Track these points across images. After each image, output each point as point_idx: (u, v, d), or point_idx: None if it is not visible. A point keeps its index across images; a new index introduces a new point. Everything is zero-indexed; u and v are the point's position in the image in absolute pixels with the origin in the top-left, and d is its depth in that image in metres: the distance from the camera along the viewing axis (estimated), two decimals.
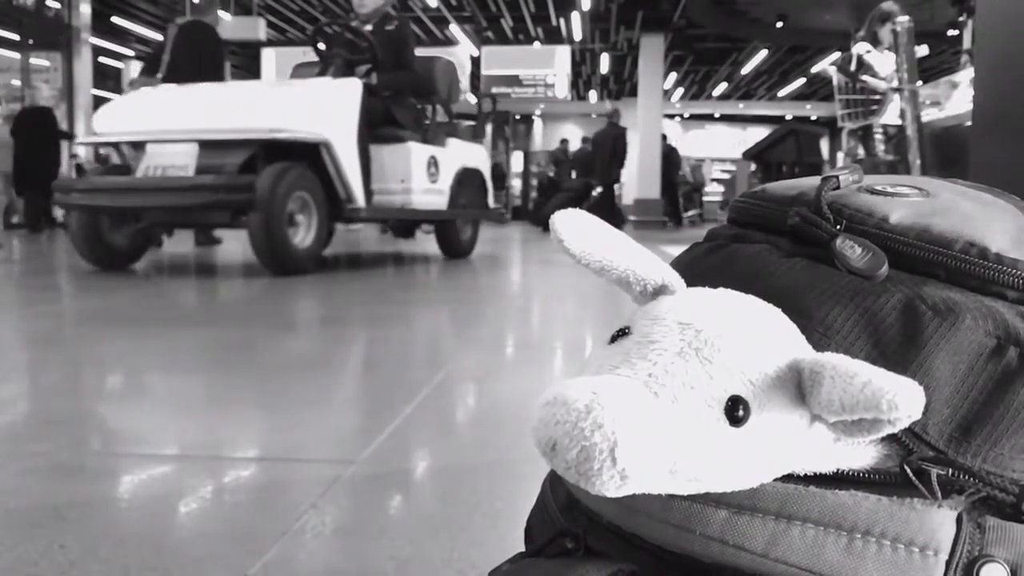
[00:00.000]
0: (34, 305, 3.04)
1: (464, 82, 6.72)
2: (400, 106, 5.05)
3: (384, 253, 6.73)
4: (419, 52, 5.43)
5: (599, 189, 11.85)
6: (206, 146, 4.06)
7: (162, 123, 4.30)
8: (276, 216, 3.90)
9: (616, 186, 12.29)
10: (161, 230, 5.52)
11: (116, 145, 4.68)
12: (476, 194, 6.03)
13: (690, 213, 16.77)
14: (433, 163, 5.18)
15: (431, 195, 5.16)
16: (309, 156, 4.25)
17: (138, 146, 4.33)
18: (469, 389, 1.72)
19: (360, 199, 4.48)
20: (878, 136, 5.46)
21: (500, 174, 17.08)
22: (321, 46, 4.96)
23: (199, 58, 5.58)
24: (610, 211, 11.87)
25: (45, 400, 1.57)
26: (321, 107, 4.36)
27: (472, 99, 18.56)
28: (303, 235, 4.24)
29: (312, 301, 3.32)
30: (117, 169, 4.50)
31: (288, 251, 4.06)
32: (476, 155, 6.11)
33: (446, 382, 1.70)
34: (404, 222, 6.07)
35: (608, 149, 11.43)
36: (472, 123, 6.55)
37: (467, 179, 5.77)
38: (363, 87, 4.52)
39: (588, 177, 12.40)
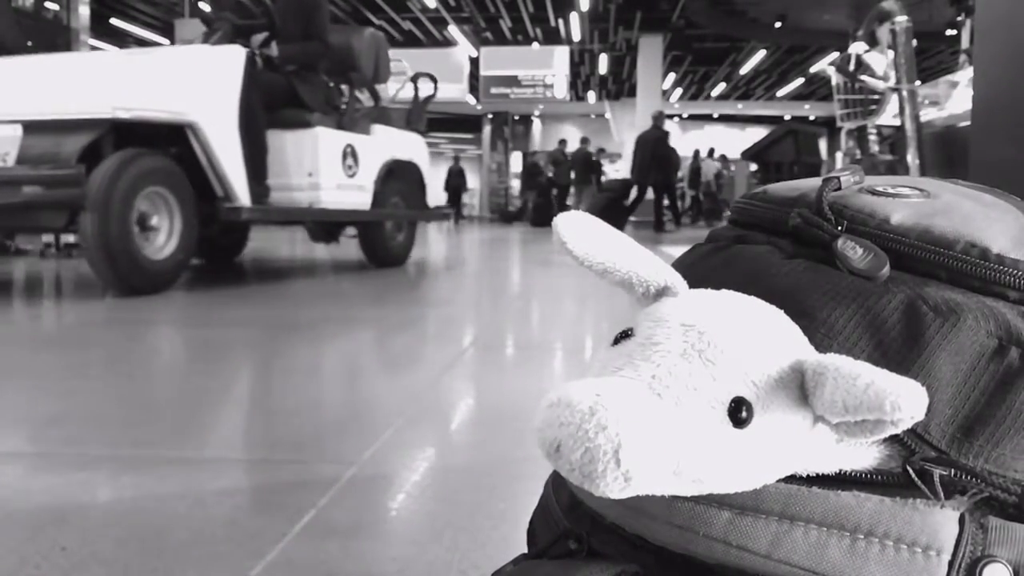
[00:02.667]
0: None
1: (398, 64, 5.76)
2: (307, 84, 4.25)
3: (290, 261, 5.83)
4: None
5: (635, 189, 11.97)
6: (32, 129, 3.16)
7: None
8: (117, 218, 3.07)
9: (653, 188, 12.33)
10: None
11: None
12: (411, 191, 5.22)
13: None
14: (351, 153, 4.40)
15: (348, 192, 4.39)
16: (178, 143, 3.51)
17: None
18: None
19: (243, 196, 3.68)
20: (872, 137, 5.46)
21: (536, 172, 16.93)
22: (208, 9, 4.28)
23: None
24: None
25: None
26: (188, 81, 3.51)
27: (471, 100, 18.68)
28: (161, 242, 3.41)
29: (102, 350, 2.06)
30: None
31: (137, 263, 3.20)
32: (411, 145, 5.23)
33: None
34: (323, 224, 5.12)
35: (649, 151, 11.51)
36: (407, 107, 5.57)
37: (399, 174, 4.99)
38: (249, 58, 3.77)
39: (628, 178, 12.55)
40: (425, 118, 5.52)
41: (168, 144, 3.50)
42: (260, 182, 3.85)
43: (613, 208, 12.24)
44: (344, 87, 4.71)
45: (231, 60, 3.70)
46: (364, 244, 4.95)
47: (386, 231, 4.97)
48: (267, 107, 3.90)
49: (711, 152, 18.16)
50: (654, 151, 11.54)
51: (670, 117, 23.00)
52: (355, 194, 4.47)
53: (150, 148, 3.35)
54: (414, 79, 5.61)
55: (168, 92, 3.41)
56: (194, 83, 3.53)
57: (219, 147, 3.54)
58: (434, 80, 5.85)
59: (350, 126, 4.46)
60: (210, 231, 4.57)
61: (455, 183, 20.59)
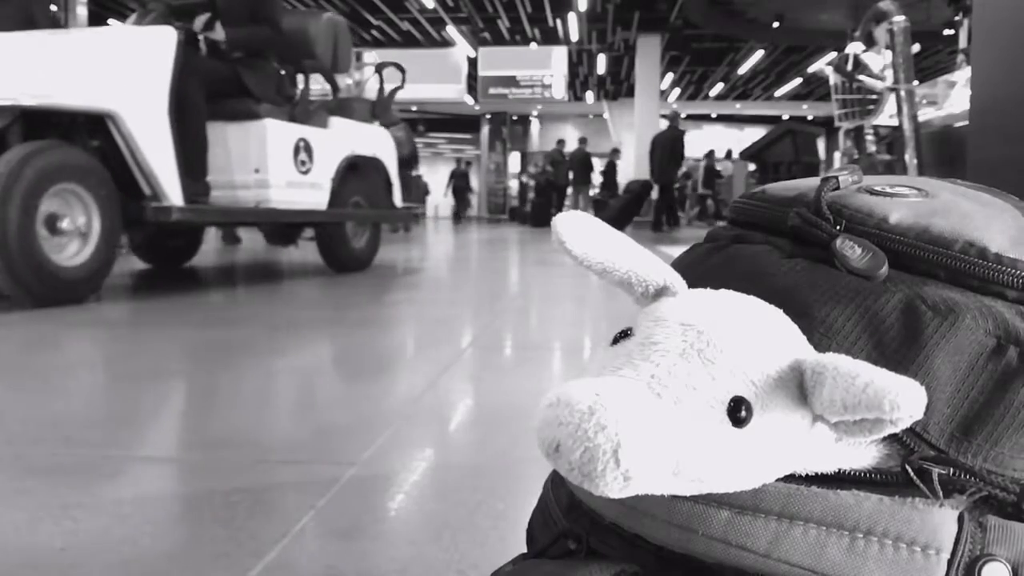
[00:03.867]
0: None
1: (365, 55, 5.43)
2: (255, 72, 3.87)
3: (247, 265, 5.37)
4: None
5: (657, 189, 12.09)
6: None
7: None
8: (18, 218, 2.73)
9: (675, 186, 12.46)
10: None
11: None
12: (374, 189, 4.83)
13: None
14: (304, 148, 4.03)
15: (301, 190, 4.03)
16: (100, 135, 3.17)
17: None
18: None
19: (174, 194, 3.28)
20: (869, 137, 5.47)
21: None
22: None
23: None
24: (670, 210, 12.06)
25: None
26: (109, 66, 3.12)
27: (469, 100, 18.69)
28: (76, 247, 3.04)
29: None
30: None
31: (43, 270, 2.84)
32: (375, 140, 4.82)
33: None
34: (279, 226, 4.74)
35: (668, 150, 11.64)
36: (371, 99, 5.17)
37: (361, 170, 4.64)
38: (183, 41, 3.39)
39: (646, 178, 12.71)
40: (392, 111, 5.20)
41: (90, 137, 3.17)
42: (198, 179, 3.50)
43: (633, 208, 12.36)
44: (299, 76, 4.36)
45: (160, 43, 3.28)
46: (322, 247, 4.57)
47: (347, 233, 4.59)
48: (210, 97, 3.56)
49: (728, 153, 18.09)
50: (672, 150, 11.69)
51: (667, 117, 23.04)
52: (309, 192, 4.12)
53: (68, 141, 3.03)
54: (379, 69, 5.26)
55: (85, 78, 3.03)
56: (116, 68, 3.14)
57: (145, 140, 3.16)
58: (402, 70, 5.50)
59: (304, 118, 4.11)
60: (151, 234, 4.25)
61: (459, 184, 20.64)
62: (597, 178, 17.09)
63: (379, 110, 5.04)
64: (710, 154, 17.48)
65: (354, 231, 4.69)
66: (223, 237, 6.81)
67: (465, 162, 22.47)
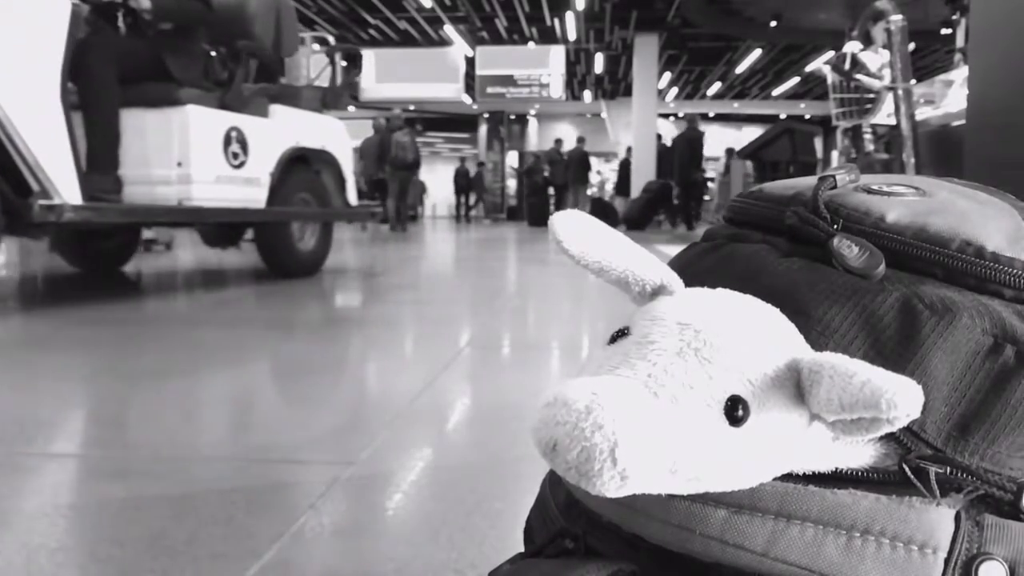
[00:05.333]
0: None
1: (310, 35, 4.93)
2: (177, 52, 3.46)
3: (191, 270, 4.87)
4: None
5: (677, 190, 12.23)
6: None
7: None
8: None
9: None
10: None
11: None
12: (324, 186, 4.40)
13: None
14: (237, 139, 3.60)
15: (233, 186, 3.59)
16: None
17: None
18: None
19: (68, 191, 2.85)
20: (867, 136, 5.47)
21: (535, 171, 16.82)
22: None
23: None
24: (686, 210, 12.15)
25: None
26: None
27: (467, 99, 18.68)
28: None
29: None
30: None
31: None
32: (325, 131, 4.36)
33: None
34: (216, 226, 4.20)
35: (687, 151, 11.75)
36: (322, 87, 4.67)
37: (308, 164, 4.24)
38: (80, 12, 3.00)
39: (667, 179, 12.89)
40: (347, 98, 4.74)
41: None
42: (105, 173, 3.09)
43: (652, 208, 12.45)
44: (232, 59, 3.87)
45: (49, 15, 2.84)
46: (262, 250, 4.11)
47: (291, 234, 4.12)
48: (125, 79, 3.15)
49: (730, 152, 18.00)
50: (692, 151, 11.82)
51: (665, 116, 23.05)
52: (243, 189, 3.66)
53: None
54: (331, 53, 4.77)
55: None
56: None
57: (27, 128, 2.73)
58: (358, 55, 5.01)
59: (237, 105, 3.67)
60: (74, 234, 3.81)
61: (462, 184, 20.69)
62: (594, 177, 17.07)
63: (331, 98, 4.52)
64: (730, 153, 17.49)
65: (301, 232, 4.25)
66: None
67: (479, 163, 22.53)
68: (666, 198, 12.60)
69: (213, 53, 3.76)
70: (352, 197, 4.61)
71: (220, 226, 4.15)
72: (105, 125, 3.12)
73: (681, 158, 11.95)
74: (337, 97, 4.57)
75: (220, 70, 3.79)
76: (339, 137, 4.49)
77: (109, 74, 3.09)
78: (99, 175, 3.06)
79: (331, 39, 5.10)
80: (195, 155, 3.35)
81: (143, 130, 3.28)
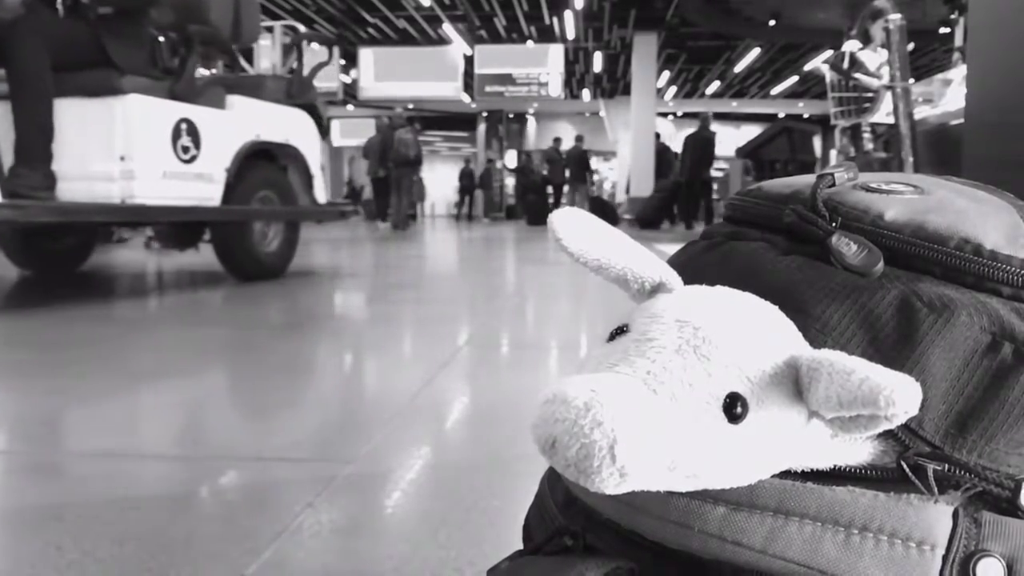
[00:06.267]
0: None
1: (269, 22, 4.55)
2: (120, 37, 3.18)
3: (147, 272, 4.59)
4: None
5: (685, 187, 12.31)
6: None
7: None
8: None
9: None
10: None
11: None
12: (288, 182, 4.12)
13: None
14: (188, 131, 3.34)
15: (183, 182, 3.33)
16: None
17: None
18: None
19: None
20: (866, 135, 5.47)
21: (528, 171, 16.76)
22: None
23: None
24: (687, 211, 12.23)
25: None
26: None
27: (466, 98, 18.67)
28: None
29: None
30: None
31: None
32: (290, 124, 4.08)
33: None
34: (175, 226, 3.93)
35: (698, 151, 11.83)
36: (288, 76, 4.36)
37: (271, 160, 3.98)
38: None
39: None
40: (314, 89, 4.40)
41: None
42: (34, 168, 2.86)
43: (667, 206, 12.52)
44: (190, 45, 3.55)
45: None
46: (220, 251, 3.83)
47: (251, 235, 3.85)
48: (61, 66, 2.92)
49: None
50: (704, 152, 11.90)
51: (664, 115, 23.06)
52: (194, 185, 3.40)
53: None
54: (296, 41, 4.49)
55: None
56: None
57: None
58: (331, 44, 4.65)
59: (189, 95, 3.41)
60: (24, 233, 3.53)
61: (466, 183, 20.73)
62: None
63: (297, 89, 4.20)
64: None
65: (264, 233, 3.97)
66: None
67: (488, 160, 22.57)
68: (679, 197, 12.68)
69: (162, 39, 3.45)
70: (320, 195, 4.34)
71: (176, 226, 3.89)
72: (35, 115, 2.87)
73: (692, 158, 12.01)
74: (304, 88, 4.27)
75: (169, 57, 3.48)
76: (305, 130, 4.21)
77: (41, 59, 2.85)
78: (27, 170, 2.84)
79: (301, 27, 4.75)
80: (139, 149, 3.09)
81: (81, 122, 3.02)
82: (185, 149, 3.33)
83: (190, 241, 4.04)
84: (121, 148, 3.03)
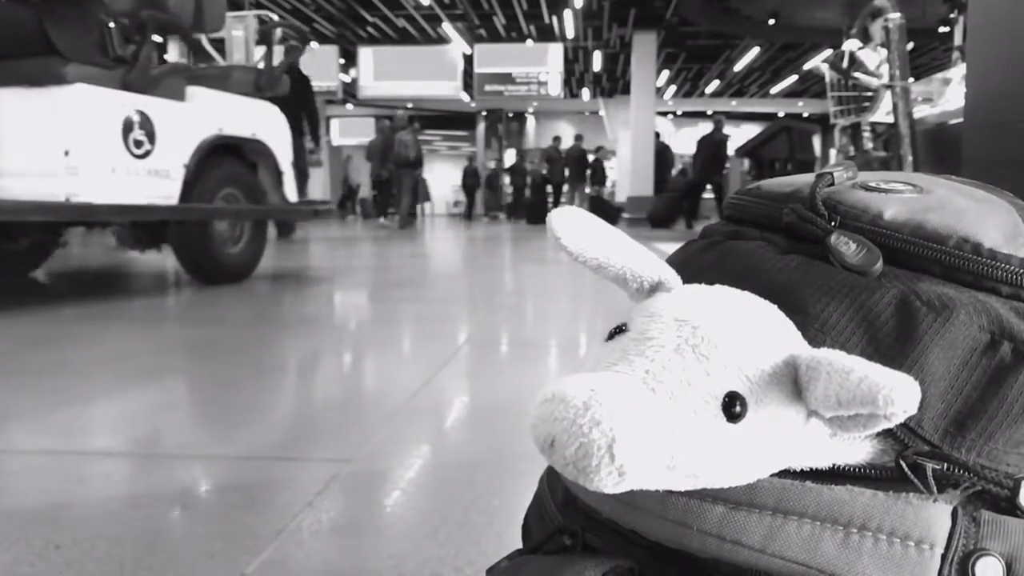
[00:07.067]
0: None
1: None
2: (65, 23, 2.99)
3: (110, 273, 4.42)
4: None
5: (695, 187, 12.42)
6: None
7: None
8: None
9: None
10: None
11: None
12: (255, 180, 3.89)
13: None
14: (141, 124, 3.11)
15: (136, 179, 3.10)
16: None
17: None
18: None
19: None
20: (866, 134, 5.47)
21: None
22: None
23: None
24: (697, 207, 12.33)
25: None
26: None
27: (465, 97, 18.67)
28: None
29: None
30: None
31: None
32: (257, 117, 3.85)
33: None
34: (134, 226, 3.66)
35: (711, 152, 11.94)
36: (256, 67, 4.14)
37: (236, 156, 3.75)
38: None
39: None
40: (285, 82, 4.20)
41: None
42: None
43: (679, 205, 12.58)
44: (144, 32, 3.28)
45: None
46: (179, 252, 3.61)
47: (212, 235, 3.60)
48: (1, 53, 2.81)
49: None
50: (716, 153, 11.97)
51: (663, 114, 23.06)
52: (149, 183, 3.16)
53: None
54: (267, 31, 4.27)
55: None
56: None
57: None
58: (303, 35, 4.41)
59: (143, 86, 3.16)
60: None
61: (470, 183, 20.76)
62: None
63: (266, 81, 3.98)
64: None
65: (228, 233, 3.75)
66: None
67: (469, 159, 22.60)
68: (689, 197, 12.73)
69: (112, 25, 3.16)
70: (291, 192, 4.09)
71: (136, 226, 3.62)
72: None
73: (705, 159, 12.07)
74: (274, 80, 4.04)
75: (122, 45, 3.19)
76: (274, 124, 3.97)
77: None
78: None
79: (275, 16, 4.57)
80: (85, 143, 2.87)
81: (21, 113, 2.80)
82: (138, 143, 3.11)
83: (151, 242, 3.80)
84: (65, 142, 2.82)
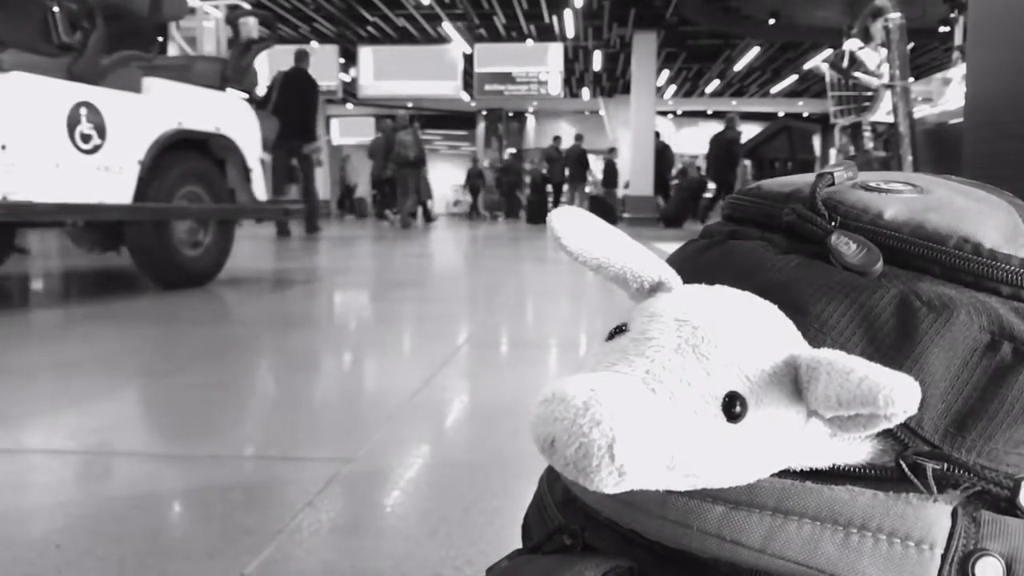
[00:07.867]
0: None
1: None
2: (5, 7, 2.90)
3: (72, 275, 4.25)
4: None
5: (713, 187, 12.43)
6: None
7: None
8: None
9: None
10: None
11: None
12: (220, 178, 3.67)
13: None
14: (88, 117, 2.89)
15: (83, 176, 2.88)
16: None
17: None
18: None
19: None
20: (867, 134, 5.47)
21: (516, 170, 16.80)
22: None
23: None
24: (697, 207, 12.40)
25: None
26: None
27: (465, 96, 18.67)
28: None
29: None
30: None
31: None
32: (221, 111, 3.62)
33: None
34: (89, 226, 3.46)
35: (724, 152, 11.96)
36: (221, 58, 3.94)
37: (197, 151, 3.53)
38: None
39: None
40: (254, 73, 3.96)
41: None
42: None
43: (689, 205, 12.63)
44: (93, 18, 3.05)
45: None
46: (136, 254, 3.37)
47: (171, 236, 3.37)
48: None
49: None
50: (728, 152, 12.01)
51: (664, 114, 23.06)
52: (98, 180, 2.94)
53: None
54: (233, 19, 4.01)
55: None
56: None
57: None
58: (270, 24, 4.13)
59: (92, 76, 2.96)
60: None
61: (474, 183, 20.79)
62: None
63: (232, 72, 3.75)
64: None
65: (190, 234, 3.52)
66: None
67: (473, 159, 22.66)
68: (701, 196, 12.77)
69: (57, 9, 2.93)
70: (259, 191, 3.85)
71: (91, 226, 3.41)
72: None
73: (718, 159, 12.10)
74: (241, 72, 3.80)
75: (68, 32, 2.95)
76: (241, 118, 3.72)
77: None
78: None
79: (246, 4, 4.43)
80: (23, 136, 2.66)
81: None
82: (85, 137, 2.89)
83: (109, 243, 3.62)
84: (1, 135, 2.61)
